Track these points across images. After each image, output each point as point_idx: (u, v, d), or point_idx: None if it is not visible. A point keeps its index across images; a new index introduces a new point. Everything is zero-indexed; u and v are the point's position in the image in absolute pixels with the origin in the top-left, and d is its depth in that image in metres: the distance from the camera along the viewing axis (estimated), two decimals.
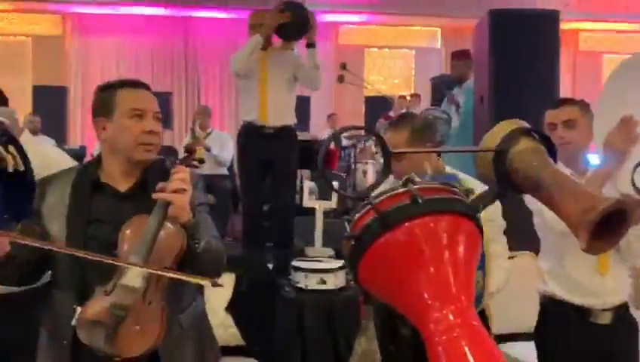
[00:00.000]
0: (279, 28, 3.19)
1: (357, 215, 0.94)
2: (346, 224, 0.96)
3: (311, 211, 4.13)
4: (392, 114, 7.47)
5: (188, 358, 1.50)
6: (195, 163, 1.47)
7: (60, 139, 7.06)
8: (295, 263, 3.39)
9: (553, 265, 2.00)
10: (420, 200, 0.91)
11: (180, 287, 1.46)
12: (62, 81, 9.08)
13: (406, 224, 0.91)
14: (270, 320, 3.14)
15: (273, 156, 3.26)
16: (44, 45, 9.37)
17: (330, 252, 3.85)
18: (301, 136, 4.06)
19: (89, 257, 1.28)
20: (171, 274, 1.31)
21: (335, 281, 3.31)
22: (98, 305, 1.30)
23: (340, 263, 3.44)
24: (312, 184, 4.93)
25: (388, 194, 0.93)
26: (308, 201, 4.01)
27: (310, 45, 3.33)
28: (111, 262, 1.30)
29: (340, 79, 4.92)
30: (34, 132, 6.06)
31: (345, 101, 9.58)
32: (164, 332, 1.34)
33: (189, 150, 1.48)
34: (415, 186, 0.92)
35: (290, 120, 3.40)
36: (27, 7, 9.11)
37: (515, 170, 1.03)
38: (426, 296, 0.89)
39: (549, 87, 3.42)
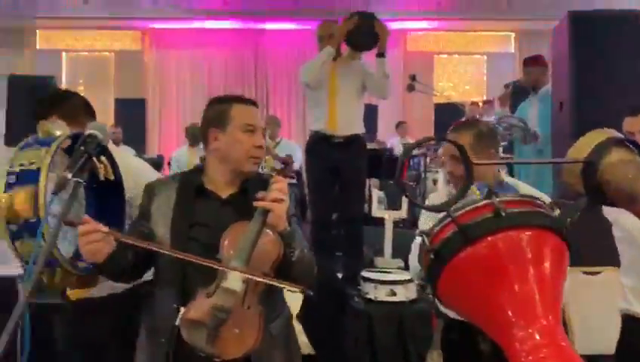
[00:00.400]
0: (351, 38, 3.20)
1: (436, 228, 0.92)
2: (424, 237, 0.94)
3: (379, 221, 4.10)
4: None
5: None
6: (292, 174, 1.53)
7: (140, 148, 7.42)
8: (364, 274, 3.37)
9: (637, 282, 1.86)
10: (503, 214, 0.87)
11: (272, 297, 1.51)
12: (141, 93, 9.56)
13: (488, 238, 0.88)
14: (340, 330, 3.13)
15: (342, 165, 3.26)
16: (124, 60, 9.92)
17: (400, 263, 3.80)
18: (369, 145, 4.04)
19: (193, 260, 1.35)
20: (269, 281, 1.36)
21: (406, 293, 3.26)
22: (200, 306, 1.35)
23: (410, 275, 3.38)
24: (381, 193, 4.89)
25: (470, 207, 0.90)
26: (377, 211, 3.98)
27: (380, 55, 3.32)
28: (212, 265, 1.36)
29: (410, 88, 4.86)
30: (116, 142, 6.42)
31: (414, 109, 9.46)
32: (261, 337, 1.38)
33: (286, 162, 1.54)
34: (498, 199, 0.89)
35: (359, 129, 3.39)
36: (110, 25, 9.70)
37: (606, 182, 0.97)
38: (509, 313, 0.86)
39: (636, 92, 3.21)
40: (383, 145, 7.41)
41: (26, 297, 0.97)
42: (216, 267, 1.36)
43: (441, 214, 0.93)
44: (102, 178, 1.55)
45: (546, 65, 4.30)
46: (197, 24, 9.61)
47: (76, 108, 1.95)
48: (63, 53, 9.89)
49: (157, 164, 6.39)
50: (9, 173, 1.47)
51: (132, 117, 8.07)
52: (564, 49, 3.41)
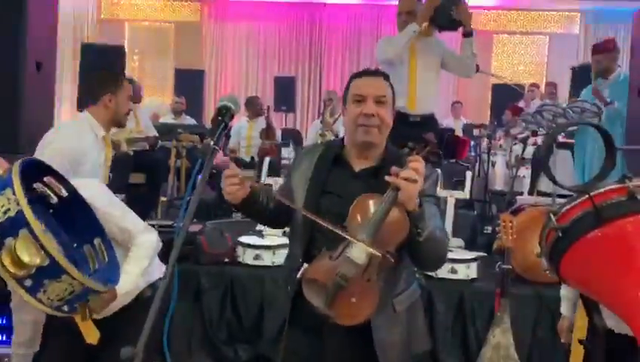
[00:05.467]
0: (436, 17, 3.19)
1: (567, 207, 0.96)
2: (551, 216, 0.99)
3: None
4: (521, 104, 7.15)
5: (397, 340, 1.58)
6: (432, 158, 1.54)
7: (198, 119, 7.60)
8: None
9: None
10: (639, 197, 0.91)
11: (397, 272, 1.55)
12: (199, 64, 9.74)
13: (619, 221, 0.92)
14: None
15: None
16: (184, 31, 10.11)
17: (461, 242, 3.83)
18: None
19: (322, 223, 1.43)
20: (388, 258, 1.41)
21: (467, 272, 3.30)
22: (323, 267, 1.43)
23: (473, 255, 3.42)
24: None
25: (604, 189, 0.94)
26: (438, 191, 4.00)
27: (468, 34, 3.31)
28: (340, 233, 1.42)
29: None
30: (179, 112, 6.61)
31: (470, 89, 9.30)
32: (374, 311, 1.43)
33: (426, 141, 1.55)
34: (632, 183, 0.93)
35: (435, 108, 3.40)
36: None
37: None
38: (638, 293, 0.90)
39: None
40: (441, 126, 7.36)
41: (177, 252, 1.08)
42: (343, 235, 1.42)
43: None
44: (54, 201, 1.52)
45: (617, 51, 4.15)
46: None
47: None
48: (126, 23, 10.14)
49: None
50: None
51: (191, 87, 8.22)
52: None
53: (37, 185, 1.52)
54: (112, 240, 1.81)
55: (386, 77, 1.65)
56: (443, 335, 3.19)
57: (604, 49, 4.13)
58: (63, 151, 2.26)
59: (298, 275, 1.46)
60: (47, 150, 2.27)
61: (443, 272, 3.30)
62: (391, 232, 1.44)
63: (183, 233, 1.10)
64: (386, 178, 1.42)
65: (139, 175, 4.64)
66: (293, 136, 7.74)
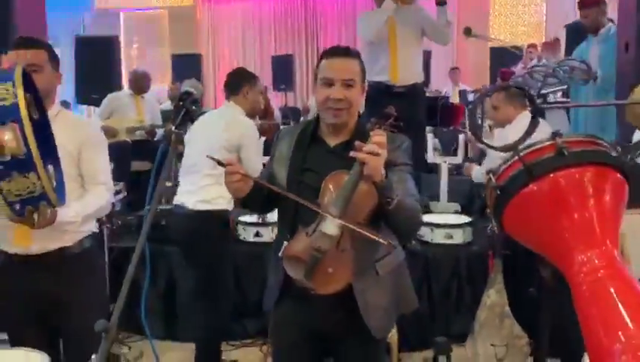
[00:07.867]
0: None
1: (503, 166, 1.01)
2: (491, 176, 1.04)
3: (434, 167, 4.16)
4: (520, 66, 7.08)
5: (381, 302, 1.66)
6: (394, 129, 1.61)
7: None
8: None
9: None
10: (565, 153, 0.96)
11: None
12: (195, 48, 9.73)
13: (551, 175, 0.97)
14: None
15: (403, 115, 3.30)
16: (178, 15, 10.08)
17: (456, 207, 3.88)
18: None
19: (296, 200, 1.51)
20: (358, 229, 1.47)
21: (462, 236, 3.35)
22: (300, 244, 1.53)
23: (467, 219, 3.47)
24: (436, 140, 4.92)
25: (534, 147, 0.99)
26: (433, 157, 4.04)
27: (441, 3, 3.30)
28: (313, 208, 1.51)
29: (467, 32, 4.76)
30: (175, 98, 6.65)
31: (468, 54, 9.21)
32: (351, 278, 1.53)
33: (387, 115, 1.61)
34: (561, 139, 0.97)
35: (419, 77, 3.41)
36: None
37: None
38: (570, 238, 0.95)
39: None
40: (437, 94, 7.35)
41: (148, 228, 1.16)
42: (315, 210, 1.50)
43: (507, 154, 1.03)
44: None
45: (604, 4, 4.08)
46: None
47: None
48: (121, 13, 10.14)
49: None
50: None
51: (189, 72, 8.21)
52: None
53: None
54: (76, 175, 1.86)
55: (356, 55, 1.67)
56: (440, 300, 3.27)
57: (591, 3, 4.05)
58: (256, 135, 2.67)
59: (280, 254, 1.55)
60: (246, 138, 2.63)
61: (439, 238, 3.36)
62: (360, 204, 1.52)
63: (152, 213, 1.17)
64: (351, 153, 1.46)
65: (144, 163, 4.73)
66: (293, 115, 7.76)
